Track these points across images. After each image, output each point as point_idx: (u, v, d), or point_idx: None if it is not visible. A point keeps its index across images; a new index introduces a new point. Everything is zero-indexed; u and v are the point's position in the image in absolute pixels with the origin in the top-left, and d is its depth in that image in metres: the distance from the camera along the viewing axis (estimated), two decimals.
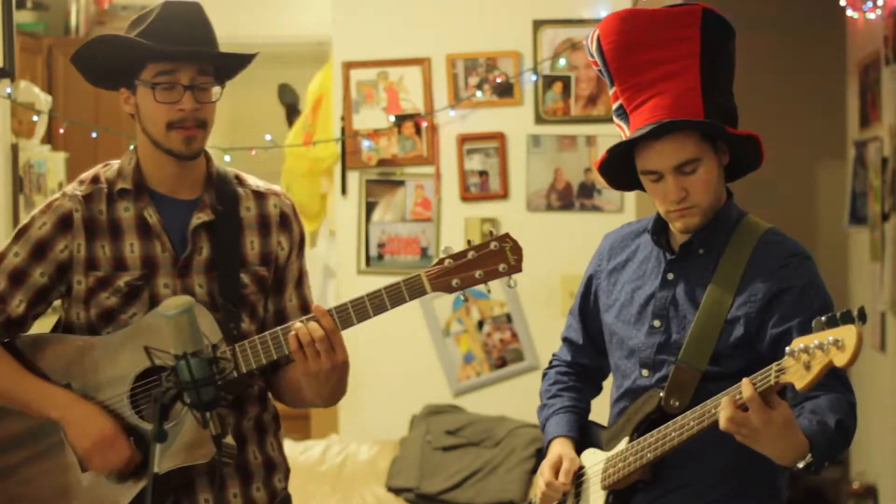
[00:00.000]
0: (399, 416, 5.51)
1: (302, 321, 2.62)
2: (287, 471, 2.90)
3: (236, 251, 2.78)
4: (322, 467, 5.38)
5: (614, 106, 2.71)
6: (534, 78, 5.42)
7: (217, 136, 6.79)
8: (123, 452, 2.67)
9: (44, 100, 5.52)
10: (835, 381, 2.48)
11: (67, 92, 6.12)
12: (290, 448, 5.24)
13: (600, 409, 2.88)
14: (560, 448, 2.78)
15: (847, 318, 2.29)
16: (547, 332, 5.19)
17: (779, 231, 2.70)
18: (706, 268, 2.65)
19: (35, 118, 5.45)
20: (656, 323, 2.68)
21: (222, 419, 2.52)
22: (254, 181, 2.88)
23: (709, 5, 2.65)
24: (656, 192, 2.64)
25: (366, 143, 5.53)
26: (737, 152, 2.66)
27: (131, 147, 2.85)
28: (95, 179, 2.80)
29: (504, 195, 5.50)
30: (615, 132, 2.74)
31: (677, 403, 2.59)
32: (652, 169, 2.62)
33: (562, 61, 5.40)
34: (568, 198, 5.46)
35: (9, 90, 4.95)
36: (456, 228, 5.48)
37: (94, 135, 5.35)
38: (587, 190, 5.44)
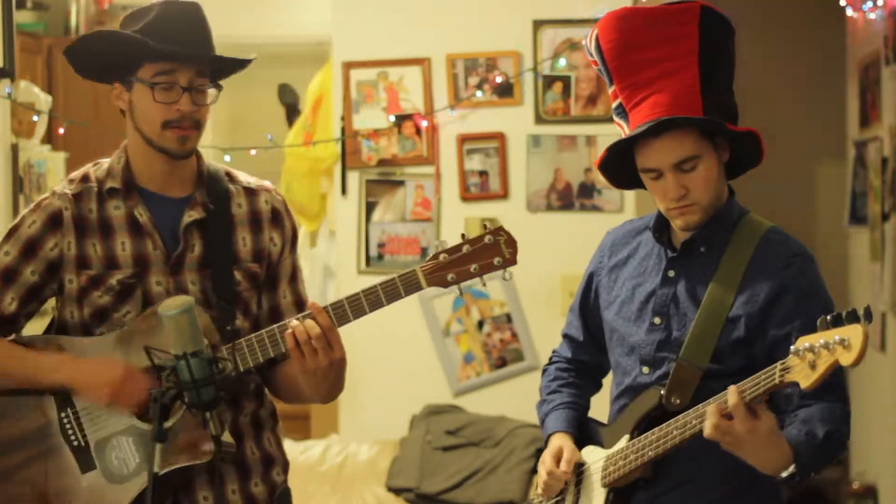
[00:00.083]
0: (399, 416, 5.51)
1: (298, 319, 2.62)
2: (286, 464, 2.89)
3: (228, 248, 2.77)
4: (322, 467, 5.38)
5: (614, 105, 2.70)
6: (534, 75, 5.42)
7: (217, 136, 6.84)
8: (143, 382, 2.65)
9: (44, 100, 5.52)
10: (831, 388, 2.48)
11: (67, 92, 6.12)
12: (290, 448, 5.23)
13: (600, 406, 2.88)
14: (560, 441, 2.79)
15: (853, 318, 2.29)
16: (547, 332, 5.18)
17: (781, 230, 2.70)
18: (707, 266, 2.65)
19: (35, 118, 5.45)
20: (657, 320, 2.68)
21: (219, 416, 2.51)
22: (245, 177, 2.87)
23: (707, 3, 2.65)
24: (656, 189, 2.64)
25: (366, 143, 5.53)
26: (737, 149, 2.65)
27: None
28: (85, 178, 2.80)
29: (504, 195, 5.49)
30: (615, 132, 2.74)
31: (678, 401, 2.59)
32: (651, 167, 2.62)
33: (562, 61, 5.40)
34: (568, 198, 5.45)
35: (9, 90, 4.95)
36: (456, 228, 5.46)
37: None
38: (587, 190, 5.44)
